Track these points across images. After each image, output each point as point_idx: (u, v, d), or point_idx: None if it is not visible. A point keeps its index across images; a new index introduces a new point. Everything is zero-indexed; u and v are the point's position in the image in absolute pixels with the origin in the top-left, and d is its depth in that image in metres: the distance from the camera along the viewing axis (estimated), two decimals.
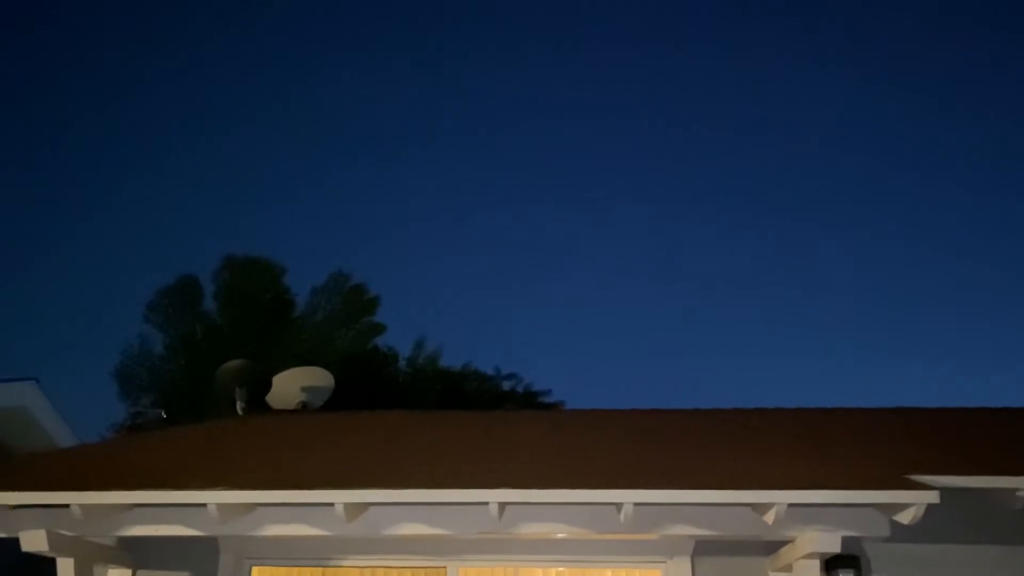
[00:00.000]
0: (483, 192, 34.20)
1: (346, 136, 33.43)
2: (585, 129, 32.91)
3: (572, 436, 6.31)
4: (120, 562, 5.21)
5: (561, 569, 5.32)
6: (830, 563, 4.72)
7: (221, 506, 4.45)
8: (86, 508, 4.50)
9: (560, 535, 4.89)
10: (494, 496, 4.38)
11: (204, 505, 4.47)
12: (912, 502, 4.21)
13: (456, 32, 32.31)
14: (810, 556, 4.47)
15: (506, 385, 19.89)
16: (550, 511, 4.61)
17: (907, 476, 4.40)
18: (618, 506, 4.42)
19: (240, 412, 7.67)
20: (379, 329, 20.00)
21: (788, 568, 4.74)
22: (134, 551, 5.23)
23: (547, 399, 19.56)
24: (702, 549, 5.06)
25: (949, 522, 4.65)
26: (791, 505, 4.30)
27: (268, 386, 8.05)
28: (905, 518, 4.29)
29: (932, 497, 4.18)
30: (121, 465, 5.43)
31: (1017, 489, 4.51)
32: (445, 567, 5.21)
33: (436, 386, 19.02)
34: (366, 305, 20.05)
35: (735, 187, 31.77)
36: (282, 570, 5.43)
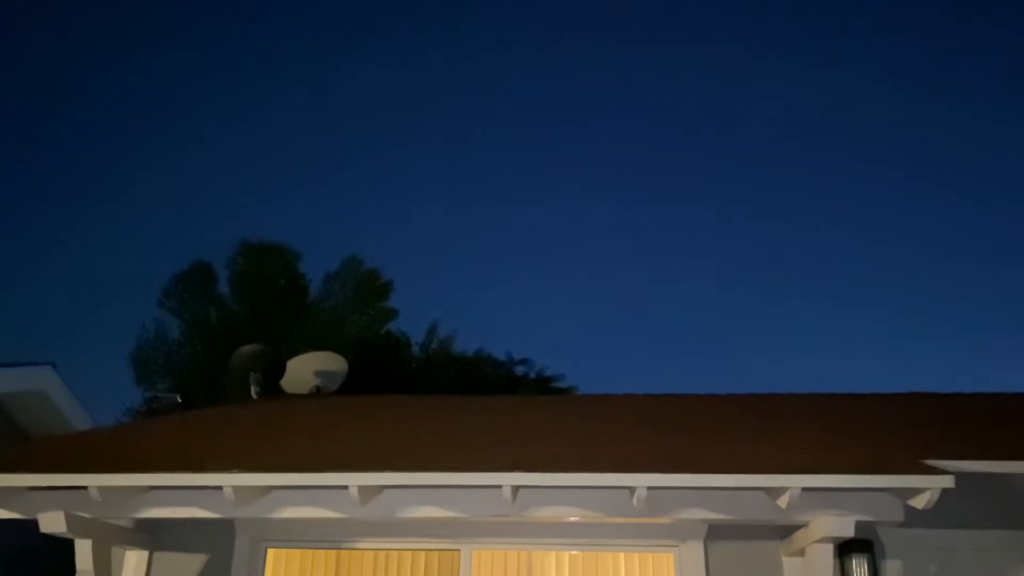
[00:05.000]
0: (497, 180, 34.11)
1: (361, 125, 33.42)
2: (599, 124, 32.85)
3: (585, 421, 6.32)
4: (137, 544, 5.26)
5: (574, 553, 5.33)
6: (844, 547, 4.71)
7: (236, 488, 4.49)
8: (104, 490, 4.54)
9: (573, 519, 4.90)
10: (507, 479, 4.39)
11: (220, 488, 4.51)
12: (927, 487, 4.19)
13: (473, 27, 32.20)
14: (823, 540, 4.46)
15: (519, 370, 19.88)
16: (563, 495, 4.62)
17: (922, 461, 4.37)
18: (631, 490, 4.42)
19: (255, 396, 7.71)
20: (392, 314, 20.04)
21: (801, 552, 4.73)
22: (151, 533, 5.29)
23: (560, 384, 19.56)
24: (715, 533, 5.06)
25: (964, 507, 4.63)
26: (805, 489, 4.28)
27: (282, 370, 8.09)
28: (919, 503, 4.27)
29: (947, 482, 4.16)
30: (138, 448, 5.47)
31: None
32: (459, 550, 5.24)
33: (449, 371, 19.04)
34: (379, 290, 20.09)
35: (747, 185, 31.68)
36: (297, 552, 5.47)
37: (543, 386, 19.31)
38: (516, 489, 4.50)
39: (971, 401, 6.51)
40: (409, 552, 5.35)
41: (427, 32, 32.07)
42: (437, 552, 5.33)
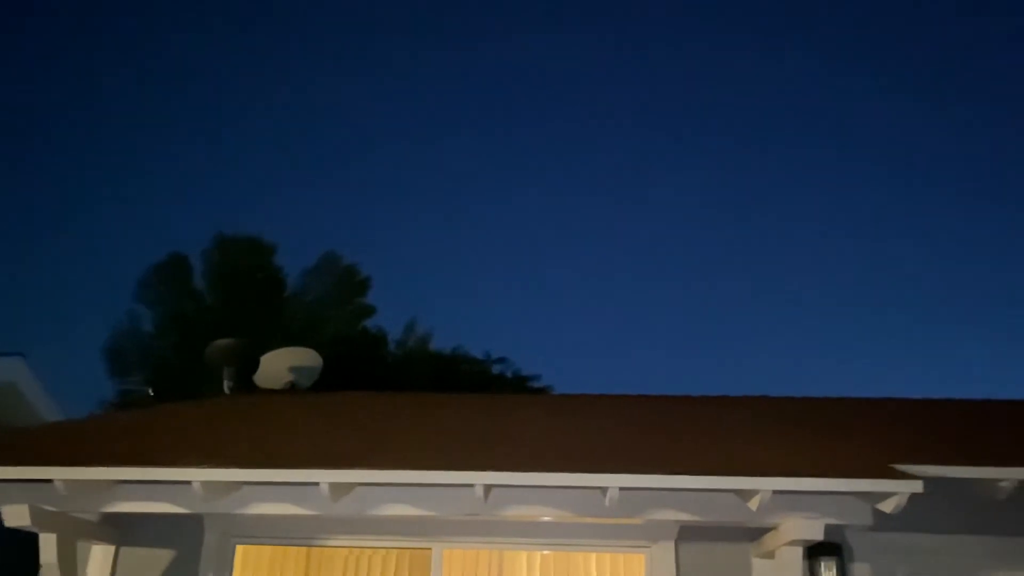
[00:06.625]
0: (476, 179, 34.11)
1: (339, 120, 33.27)
2: (580, 123, 32.97)
3: (560, 420, 6.32)
4: (104, 538, 5.19)
5: (546, 553, 5.33)
6: (812, 550, 4.74)
7: (205, 483, 4.44)
8: (69, 483, 4.48)
9: (545, 518, 4.90)
10: (480, 478, 4.38)
11: (189, 482, 4.46)
12: (895, 491, 4.22)
13: (453, 26, 32.17)
14: (793, 543, 4.49)
15: (496, 369, 19.92)
16: (535, 494, 4.61)
17: (891, 465, 4.41)
18: (603, 490, 4.42)
19: (227, 391, 7.64)
20: (370, 311, 20.00)
21: (771, 555, 4.76)
22: (118, 527, 5.21)
23: (536, 384, 19.60)
24: (686, 535, 5.07)
25: (932, 512, 4.67)
26: (775, 492, 4.31)
27: (256, 365, 8.01)
28: (888, 507, 4.31)
29: (915, 487, 4.20)
30: (107, 441, 5.40)
31: (999, 480, 4.54)
32: (430, 548, 5.20)
33: (426, 369, 19.01)
34: (357, 286, 20.05)
35: (724, 183, 31.87)
36: (267, 549, 5.43)
37: (520, 385, 19.34)
38: (488, 488, 4.49)
39: (942, 407, 6.58)
40: (380, 550, 5.33)
41: (407, 32, 32.02)
42: (408, 550, 5.30)
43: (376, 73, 32.83)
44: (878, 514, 4.42)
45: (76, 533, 4.92)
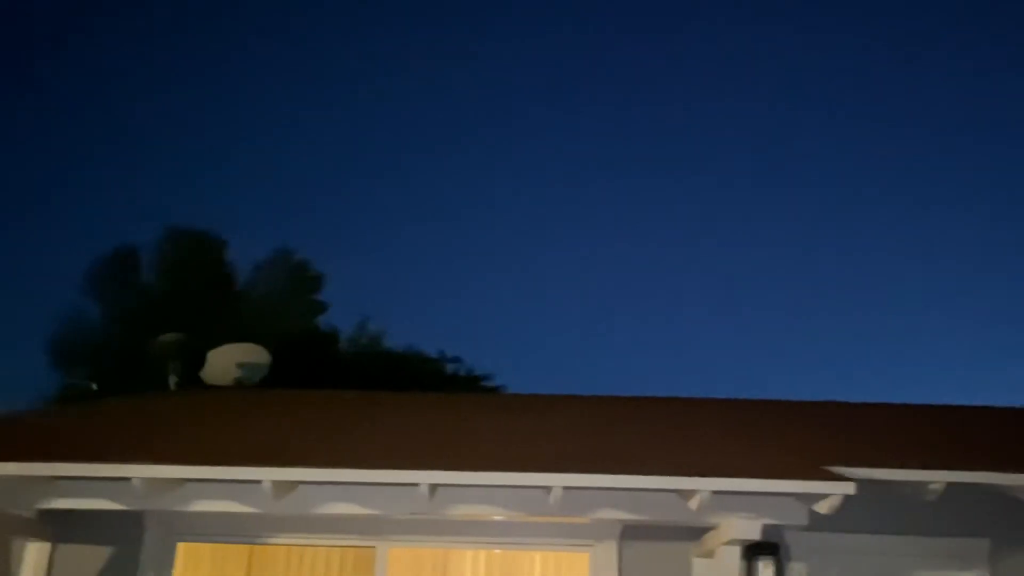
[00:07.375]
0: (434, 176, 33.97)
1: (292, 113, 32.91)
2: (536, 117, 33.05)
3: (511, 420, 6.35)
4: (40, 535, 5.07)
5: (490, 551, 5.36)
6: (750, 550, 4.83)
7: (146, 480, 4.38)
8: (3, 479, 4.39)
9: (491, 517, 4.93)
10: (424, 477, 4.40)
11: (129, 479, 4.40)
12: (830, 492, 4.35)
13: (424, 19, 31.98)
14: (731, 543, 4.59)
15: (450, 368, 19.89)
16: (480, 493, 4.64)
17: (826, 467, 4.54)
18: (547, 489, 4.47)
19: (173, 386, 7.54)
20: (322, 307, 19.84)
21: (710, 554, 4.85)
22: (55, 524, 5.10)
23: (490, 383, 19.62)
24: (629, 534, 5.14)
25: (865, 513, 4.81)
26: (714, 492, 4.40)
27: (203, 361, 7.93)
28: (823, 508, 4.43)
29: (849, 488, 4.33)
30: (46, 436, 5.30)
31: (929, 482, 4.69)
32: (374, 547, 5.20)
33: (379, 367, 18.91)
34: (310, 283, 19.87)
35: (694, 188, 32.13)
36: (209, 547, 5.37)
37: (473, 384, 19.34)
38: (434, 487, 4.50)
39: (875, 410, 6.77)
40: (324, 549, 5.30)
41: (370, 31, 31.85)
42: (352, 549, 5.29)
43: (333, 70, 32.53)
44: (814, 514, 4.54)
45: (11, 530, 4.83)
